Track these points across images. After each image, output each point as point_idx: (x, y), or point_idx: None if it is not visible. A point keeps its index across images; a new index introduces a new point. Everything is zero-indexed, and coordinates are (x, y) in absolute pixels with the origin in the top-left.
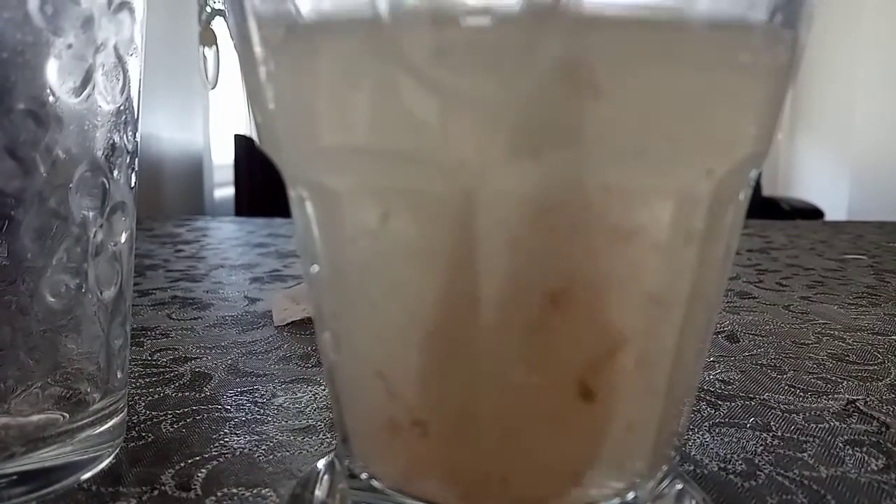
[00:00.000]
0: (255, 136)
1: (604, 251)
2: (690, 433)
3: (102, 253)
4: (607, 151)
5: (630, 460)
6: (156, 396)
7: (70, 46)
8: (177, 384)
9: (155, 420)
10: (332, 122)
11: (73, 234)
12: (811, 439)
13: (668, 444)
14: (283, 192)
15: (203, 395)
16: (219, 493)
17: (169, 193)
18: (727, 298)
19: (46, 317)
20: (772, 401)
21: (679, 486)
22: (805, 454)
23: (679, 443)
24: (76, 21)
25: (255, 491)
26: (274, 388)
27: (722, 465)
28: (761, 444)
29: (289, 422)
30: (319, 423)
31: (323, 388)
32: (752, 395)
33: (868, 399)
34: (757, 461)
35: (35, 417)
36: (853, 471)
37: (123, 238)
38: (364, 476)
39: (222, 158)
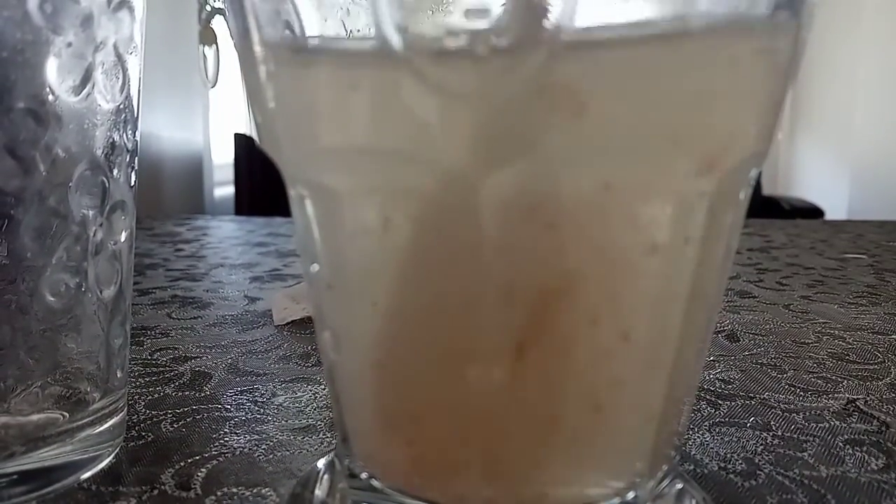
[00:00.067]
0: (255, 136)
1: (604, 250)
2: (690, 433)
3: (102, 252)
4: (608, 150)
5: (630, 460)
6: (156, 396)
7: (70, 45)
8: (177, 383)
9: (155, 419)
10: (332, 122)
11: (73, 232)
12: (811, 439)
13: (669, 443)
14: (283, 192)
15: (203, 394)
16: (219, 493)
17: (169, 192)
18: (727, 298)
19: (46, 316)
20: (772, 400)
21: (679, 486)
22: (805, 453)
23: (679, 442)
24: (76, 19)
25: (255, 490)
26: (274, 387)
27: (722, 465)
28: (761, 444)
29: (289, 421)
30: (319, 423)
31: (323, 387)
32: (752, 395)
33: (868, 398)
34: (757, 460)
35: (35, 417)
36: (853, 470)
37: (123, 237)
38: (364, 476)
39: (222, 157)
